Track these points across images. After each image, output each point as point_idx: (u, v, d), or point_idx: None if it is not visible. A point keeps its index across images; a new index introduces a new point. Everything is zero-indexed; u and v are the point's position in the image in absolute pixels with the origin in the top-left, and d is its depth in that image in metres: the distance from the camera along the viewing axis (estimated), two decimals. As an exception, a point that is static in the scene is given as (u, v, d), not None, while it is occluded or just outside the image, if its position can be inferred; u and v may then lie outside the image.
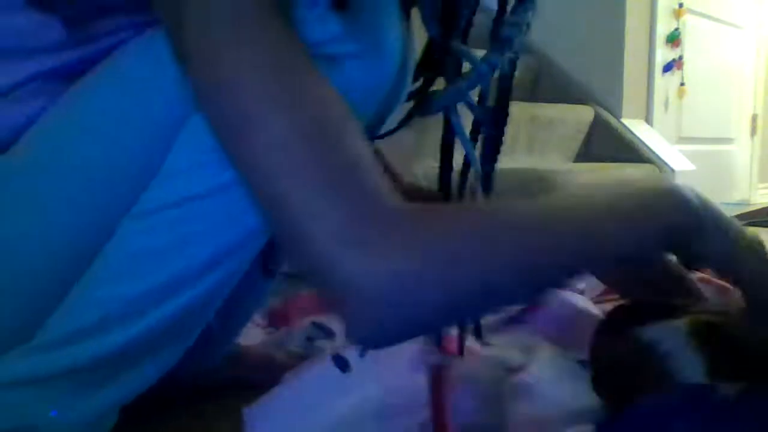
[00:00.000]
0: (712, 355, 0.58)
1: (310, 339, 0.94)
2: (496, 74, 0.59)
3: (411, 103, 0.64)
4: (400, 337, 0.46)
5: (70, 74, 0.53)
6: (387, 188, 0.44)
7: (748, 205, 3.10)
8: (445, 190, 0.69)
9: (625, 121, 2.50)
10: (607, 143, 2.48)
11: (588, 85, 2.55)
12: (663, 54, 2.63)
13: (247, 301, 0.73)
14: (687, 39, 2.71)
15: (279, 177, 0.43)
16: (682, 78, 2.72)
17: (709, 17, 2.89)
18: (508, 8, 0.59)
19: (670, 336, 0.59)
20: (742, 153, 3.30)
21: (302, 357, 0.86)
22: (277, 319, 1.06)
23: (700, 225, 0.52)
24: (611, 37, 2.48)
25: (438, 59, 0.62)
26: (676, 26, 2.66)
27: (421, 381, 0.63)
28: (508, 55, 0.57)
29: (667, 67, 2.65)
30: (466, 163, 0.65)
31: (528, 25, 0.57)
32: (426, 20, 0.59)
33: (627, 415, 0.59)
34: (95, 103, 0.52)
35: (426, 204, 0.48)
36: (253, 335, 1.00)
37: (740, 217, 2.54)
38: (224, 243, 0.53)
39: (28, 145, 0.52)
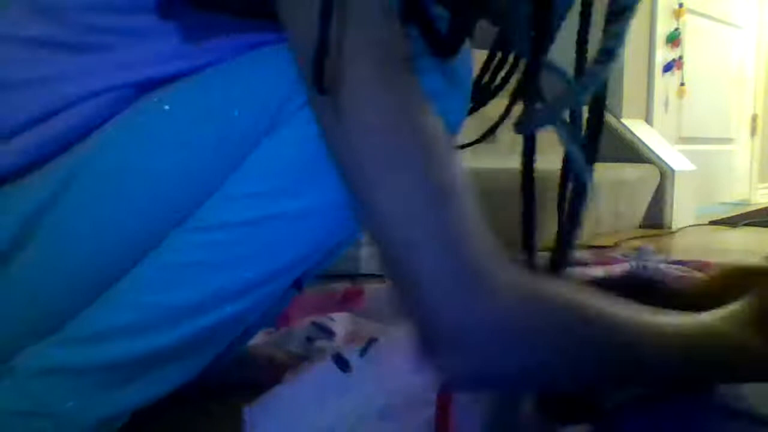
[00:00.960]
0: None
1: (310, 339, 0.94)
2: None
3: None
4: (485, 386, 0.52)
5: (158, 86, 0.52)
6: (496, 248, 0.47)
7: (748, 205, 3.10)
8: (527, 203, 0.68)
9: (625, 121, 2.50)
10: (607, 143, 2.46)
11: (588, 85, 2.55)
12: (663, 54, 2.63)
13: (270, 311, 0.74)
14: (687, 39, 2.71)
15: (399, 226, 0.45)
16: (682, 78, 2.72)
17: (709, 17, 2.89)
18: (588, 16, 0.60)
19: None
20: (742, 153, 3.30)
21: (302, 357, 0.86)
22: (277, 319, 1.06)
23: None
24: (611, 37, 2.48)
25: (528, 78, 0.61)
26: (676, 26, 2.66)
27: (421, 381, 0.63)
28: (611, 66, 0.58)
29: (667, 67, 2.65)
30: (565, 175, 0.66)
31: (626, 34, 0.57)
32: (515, 39, 0.59)
33: (627, 414, 0.59)
34: (172, 115, 0.52)
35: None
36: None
37: (740, 217, 2.54)
38: (273, 268, 0.53)
39: (97, 146, 0.52)
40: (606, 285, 0.67)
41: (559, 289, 0.50)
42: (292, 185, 0.51)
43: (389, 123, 0.45)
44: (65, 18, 0.52)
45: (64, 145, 0.52)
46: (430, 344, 0.47)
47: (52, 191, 0.51)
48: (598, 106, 0.62)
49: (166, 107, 0.51)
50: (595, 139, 0.64)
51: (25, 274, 0.52)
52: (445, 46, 0.50)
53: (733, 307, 0.58)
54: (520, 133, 0.61)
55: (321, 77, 0.43)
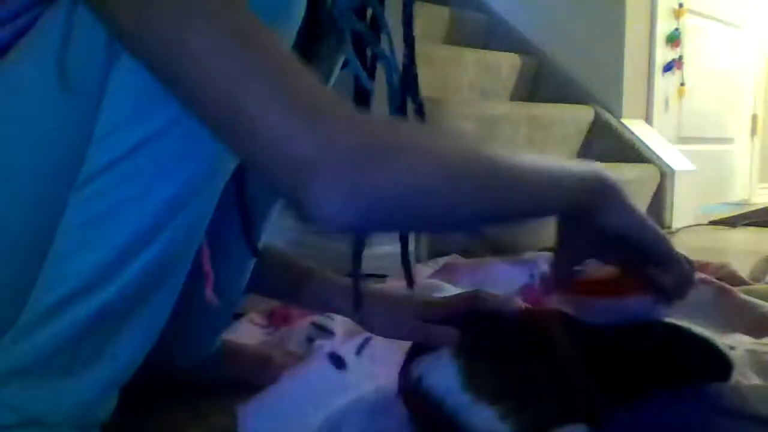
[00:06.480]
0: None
1: (310, 339, 0.94)
2: None
3: None
4: (360, 222, 0.45)
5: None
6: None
7: (748, 205, 3.10)
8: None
9: (625, 121, 2.50)
10: (607, 143, 2.48)
11: (588, 85, 2.55)
12: (663, 54, 2.63)
13: (232, 276, 0.74)
14: (687, 39, 2.71)
15: (220, 85, 0.43)
16: (682, 78, 2.72)
17: (709, 17, 2.89)
18: None
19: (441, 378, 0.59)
20: (742, 153, 3.30)
21: (302, 357, 0.86)
22: (277, 319, 1.06)
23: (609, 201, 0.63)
24: (611, 37, 2.48)
25: None
26: (676, 26, 2.66)
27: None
28: None
29: (667, 67, 2.65)
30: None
31: None
32: None
33: (625, 414, 0.59)
34: (18, 76, 0.53)
35: None
36: (253, 335, 1.00)
37: (740, 217, 2.54)
38: (172, 191, 0.53)
39: None
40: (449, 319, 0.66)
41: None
42: (147, 104, 0.51)
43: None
44: None
45: None
46: (294, 187, 0.43)
47: None
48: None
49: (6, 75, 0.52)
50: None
51: None
52: None
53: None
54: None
55: None
